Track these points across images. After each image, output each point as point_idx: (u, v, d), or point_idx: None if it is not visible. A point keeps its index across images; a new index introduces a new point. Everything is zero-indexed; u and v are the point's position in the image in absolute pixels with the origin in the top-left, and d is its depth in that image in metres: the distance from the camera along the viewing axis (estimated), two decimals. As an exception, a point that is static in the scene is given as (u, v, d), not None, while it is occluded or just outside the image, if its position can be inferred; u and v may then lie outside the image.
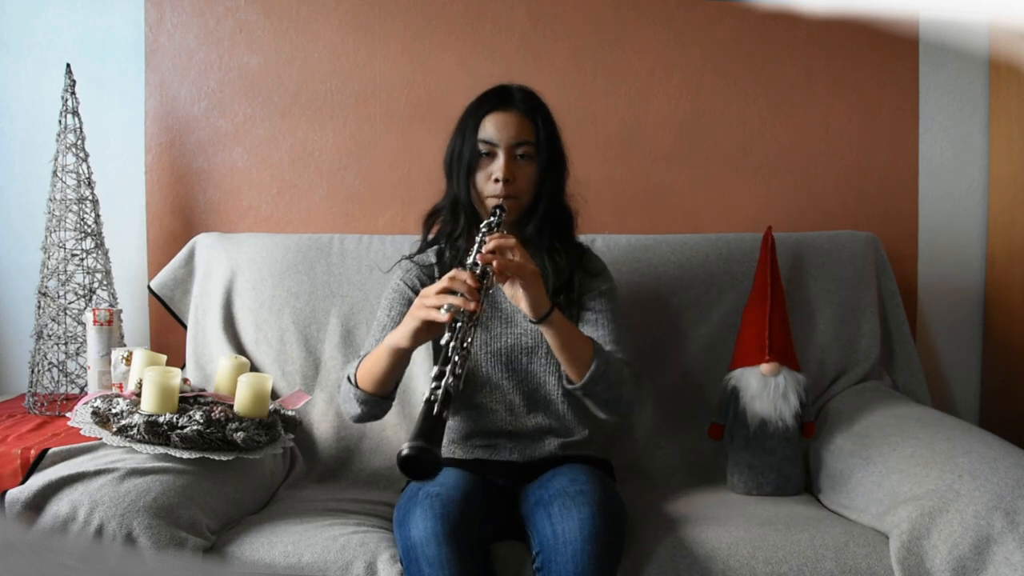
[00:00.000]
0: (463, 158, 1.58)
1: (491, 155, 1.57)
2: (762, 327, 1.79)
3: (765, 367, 1.76)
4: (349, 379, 1.52)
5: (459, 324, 1.31)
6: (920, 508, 1.40)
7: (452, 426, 1.63)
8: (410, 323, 1.39)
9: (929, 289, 2.23)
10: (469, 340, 1.31)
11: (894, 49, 2.20)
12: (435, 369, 1.26)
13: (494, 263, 1.39)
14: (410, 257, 1.68)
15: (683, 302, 1.96)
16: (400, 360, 1.46)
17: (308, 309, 1.97)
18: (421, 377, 1.89)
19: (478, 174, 1.58)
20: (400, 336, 1.41)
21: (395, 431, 1.88)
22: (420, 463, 1.15)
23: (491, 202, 1.56)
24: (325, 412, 1.92)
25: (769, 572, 1.39)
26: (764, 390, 1.75)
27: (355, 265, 1.99)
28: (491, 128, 1.57)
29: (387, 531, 1.49)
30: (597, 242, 1.96)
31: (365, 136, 2.21)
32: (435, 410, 1.20)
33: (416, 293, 1.58)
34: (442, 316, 1.32)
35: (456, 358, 1.27)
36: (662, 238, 2.03)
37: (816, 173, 2.22)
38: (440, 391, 1.22)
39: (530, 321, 1.46)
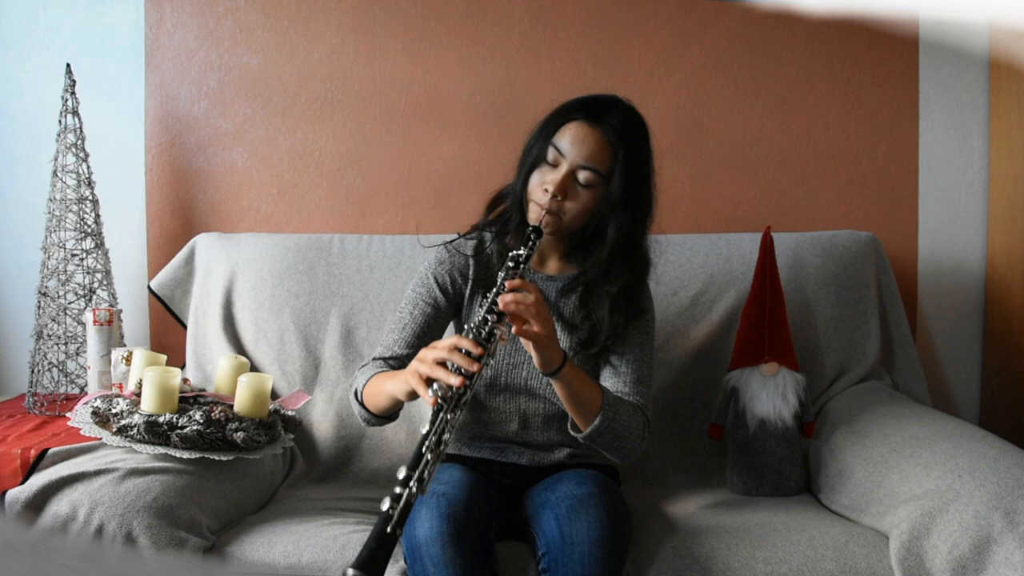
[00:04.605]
0: (531, 154, 1.49)
1: (555, 165, 1.46)
2: (761, 327, 1.79)
3: (765, 367, 1.76)
4: (356, 394, 1.48)
5: (441, 415, 1.22)
6: (920, 508, 1.40)
7: (463, 426, 1.60)
8: (406, 383, 1.30)
9: (929, 289, 2.23)
10: (447, 436, 1.21)
11: (894, 49, 2.20)
12: (403, 471, 1.16)
13: (510, 329, 1.32)
14: (452, 242, 1.60)
15: (683, 302, 1.96)
16: (399, 405, 1.42)
17: (308, 309, 1.97)
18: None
19: (534, 174, 1.48)
20: (397, 389, 1.35)
21: (395, 431, 1.88)
22: None
23: (533, 209, 1.46)
24: (325, 412, 1.92)
25: (769, 572, 1.39)
26: (764, 390, 1.75)
27: (355, 265, 1.99)
28: (567, 138, 1.45)
29: (387, 531, 1.49)
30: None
31: (365, 136, 2.21)
32: (389, 528, 1.11)
33: (444, 294, 1.55)
34: (428, 398, 1.24)
35: (429, 456, 1.18)
36: (662, 237, 2.01)
37: (816, 173, 2.22)
38: (400, 506, 1.12)
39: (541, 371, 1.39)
